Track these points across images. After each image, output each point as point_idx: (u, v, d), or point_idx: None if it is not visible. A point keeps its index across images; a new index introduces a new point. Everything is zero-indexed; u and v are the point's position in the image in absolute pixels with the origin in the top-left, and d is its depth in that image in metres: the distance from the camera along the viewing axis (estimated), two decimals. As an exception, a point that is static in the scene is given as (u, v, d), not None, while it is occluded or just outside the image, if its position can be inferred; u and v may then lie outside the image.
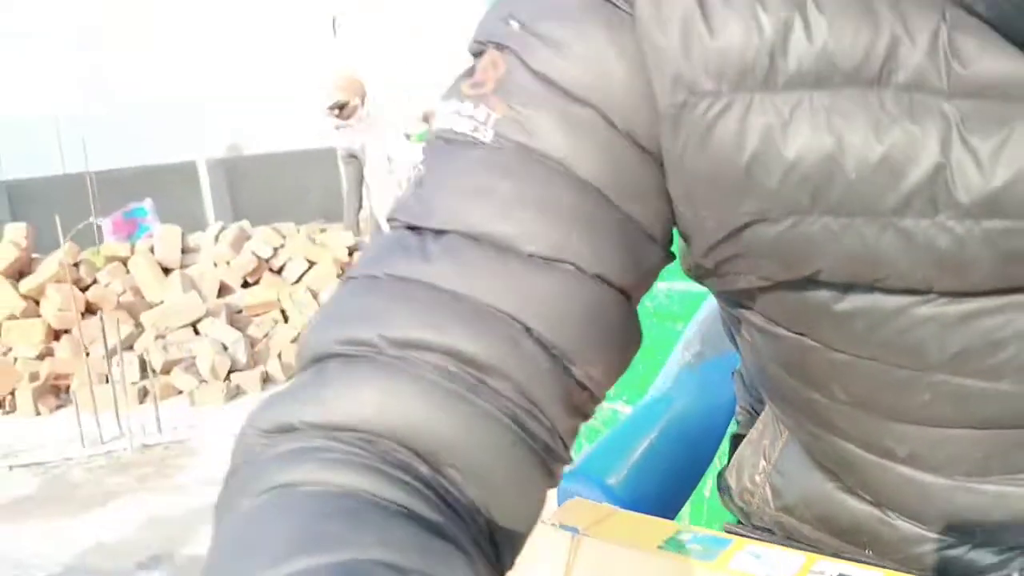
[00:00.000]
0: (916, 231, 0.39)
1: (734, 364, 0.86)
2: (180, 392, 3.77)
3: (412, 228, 0.40)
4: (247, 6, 9.37)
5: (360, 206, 6.40)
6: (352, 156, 6.22)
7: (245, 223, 4.69)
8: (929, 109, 0.38)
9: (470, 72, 0.42)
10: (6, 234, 4.28)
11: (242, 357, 3.89)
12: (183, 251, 4.50)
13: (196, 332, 4.07)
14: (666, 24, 0.39)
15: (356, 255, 4.66)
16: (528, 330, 0.37)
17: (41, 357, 3.86)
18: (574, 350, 0.39)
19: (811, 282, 0.43)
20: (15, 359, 3.85)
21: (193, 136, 8.75)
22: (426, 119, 6.11)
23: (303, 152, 9.09)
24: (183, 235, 4.54)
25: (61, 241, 3.80)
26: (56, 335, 4.02)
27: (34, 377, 3.76)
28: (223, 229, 4.63)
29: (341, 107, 5.77)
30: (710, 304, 1.06)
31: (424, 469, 0.35)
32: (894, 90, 0.38)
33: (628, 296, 0.41)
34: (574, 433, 0.41)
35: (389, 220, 0.42)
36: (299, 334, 4.10)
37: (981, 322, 0.42)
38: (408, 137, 2.74)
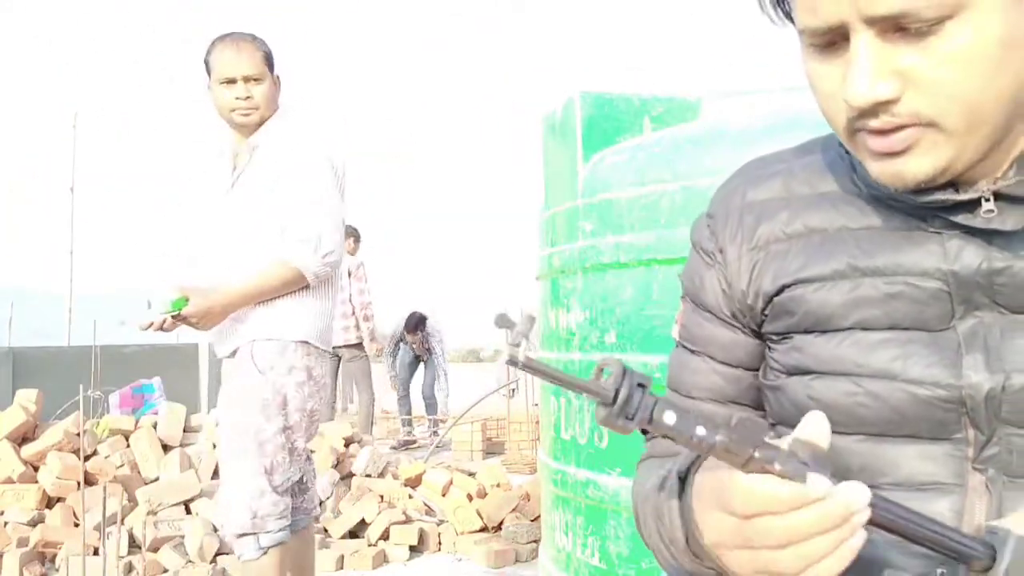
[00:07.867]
0: None
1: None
2: (166, 571, 3.75)
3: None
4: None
5: (334, 399, 6.71)
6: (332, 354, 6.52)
7: (248, 407, 4.83)
8: None
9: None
10: (17, 399, 4.40)
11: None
12: (185, 430, 4.61)
13: (188, 511, 4.10)
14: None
15: (352, 446, 4.78)
16: None
17: (33, 524, 3.87)
18: None
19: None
20: (5, 523, 3.86)
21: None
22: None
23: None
24: (187, 415, 4.67)
25: (61, 411, 3.91)
26: (50, 502, 4.04)
27: (23, 543, 3.76)
28: (227, 411, 4.76)
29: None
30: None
31: None
32: None
33: None
34: None
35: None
36: (289, 521, 4.14)
37: None
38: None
